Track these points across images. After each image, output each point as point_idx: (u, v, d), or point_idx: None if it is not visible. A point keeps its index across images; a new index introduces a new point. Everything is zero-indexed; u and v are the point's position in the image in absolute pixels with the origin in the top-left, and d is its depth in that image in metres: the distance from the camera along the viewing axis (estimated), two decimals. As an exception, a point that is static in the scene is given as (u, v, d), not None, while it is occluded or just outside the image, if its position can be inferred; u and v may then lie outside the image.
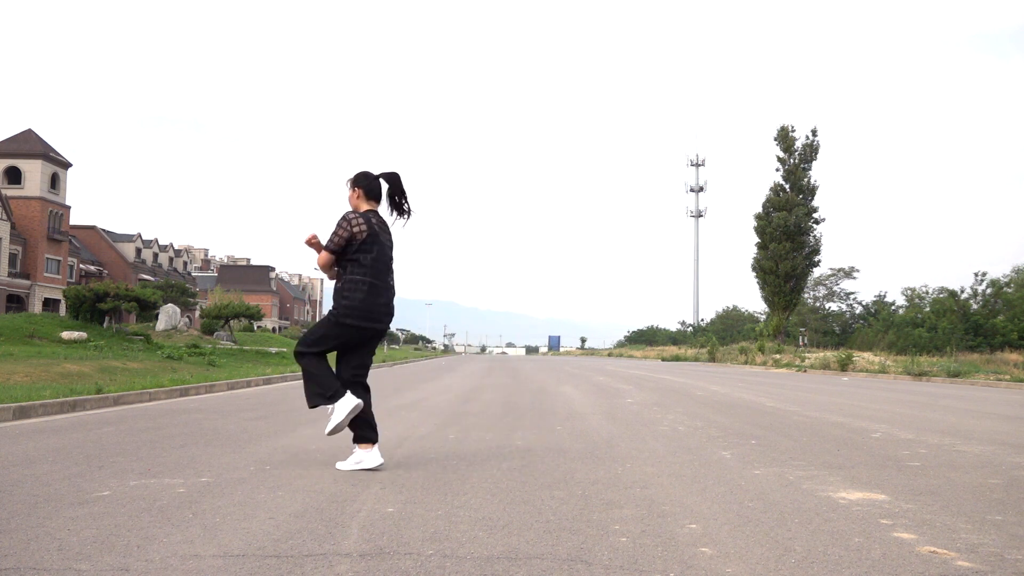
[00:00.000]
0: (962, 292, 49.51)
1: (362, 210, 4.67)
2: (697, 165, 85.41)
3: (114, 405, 8.86)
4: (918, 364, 23.40)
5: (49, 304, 55.68)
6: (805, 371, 26.76)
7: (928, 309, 52.33)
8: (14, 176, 55.26)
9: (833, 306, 71.47)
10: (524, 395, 11.52)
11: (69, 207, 59.37)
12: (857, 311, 68.16)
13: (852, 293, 71.42)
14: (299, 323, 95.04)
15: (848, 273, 70.23)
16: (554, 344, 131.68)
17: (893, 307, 61.29)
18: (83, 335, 20.49)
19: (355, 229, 4.50)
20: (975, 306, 48.59)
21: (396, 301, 4.78)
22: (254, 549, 2.86)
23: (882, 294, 65.88)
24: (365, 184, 4.68)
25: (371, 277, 4.53)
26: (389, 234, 4.73)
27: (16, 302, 53.67)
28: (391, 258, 4.70)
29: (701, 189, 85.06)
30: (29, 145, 55.73)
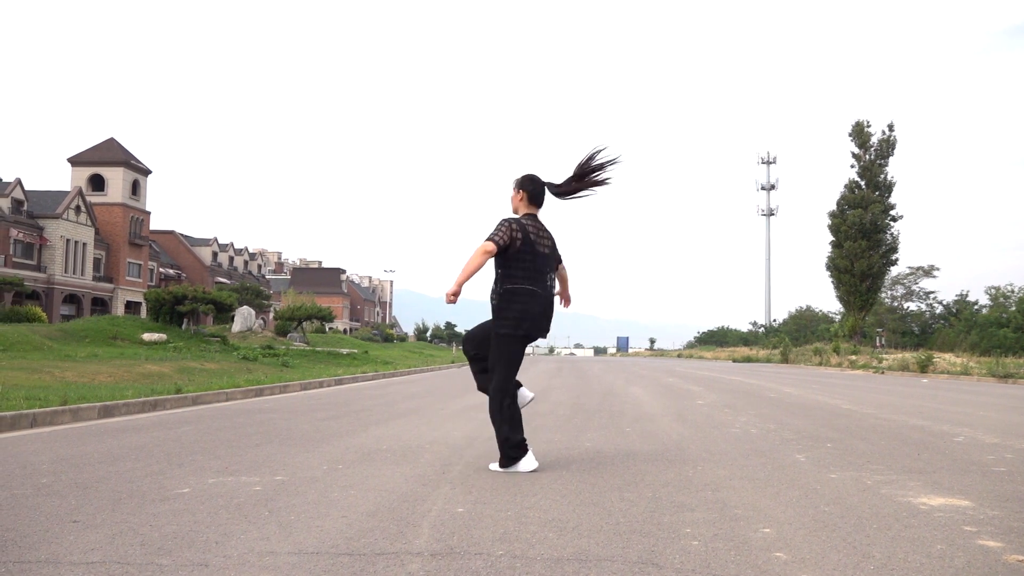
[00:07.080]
0: (1051, 290, 47.50)
1: (520, 213, 4.67)
2: (768, 163, 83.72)
3: (192, 405, 9.13)
4: (1003, 365, 22.48)
5: (131, 307, 57.72)
6: (882, 372, 26.00)
7: (1014, 308, 50.26)
8: (98, 184, 57.41)
9: (912, 306, 69.27)
10: (593, 396, 11.46)
11: (149, 212, 61.41)
12: (937, 311, 65.91)
13: (932, 292, 69.10)
14: (369, 324, 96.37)
15: (927, 272, 68.00)
16: (622, 345, 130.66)
17: (976, 307, 59.08)
18: (163, 337, 21.18)
19: (514, 235, 4.47)
20: (1065, 305, 46.55)
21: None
22: (328, 547, 2.91)
23: (964, 293, 63.54)
24: (530, 188, 4.66)
25: (531, 284, 4.51)
26: (548, 239, 4.66)
27: (100, 305, 55.76)
28: (548, 264, 4.61)
29: (772, 187, 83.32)
30: (111, 153, 57.82)
